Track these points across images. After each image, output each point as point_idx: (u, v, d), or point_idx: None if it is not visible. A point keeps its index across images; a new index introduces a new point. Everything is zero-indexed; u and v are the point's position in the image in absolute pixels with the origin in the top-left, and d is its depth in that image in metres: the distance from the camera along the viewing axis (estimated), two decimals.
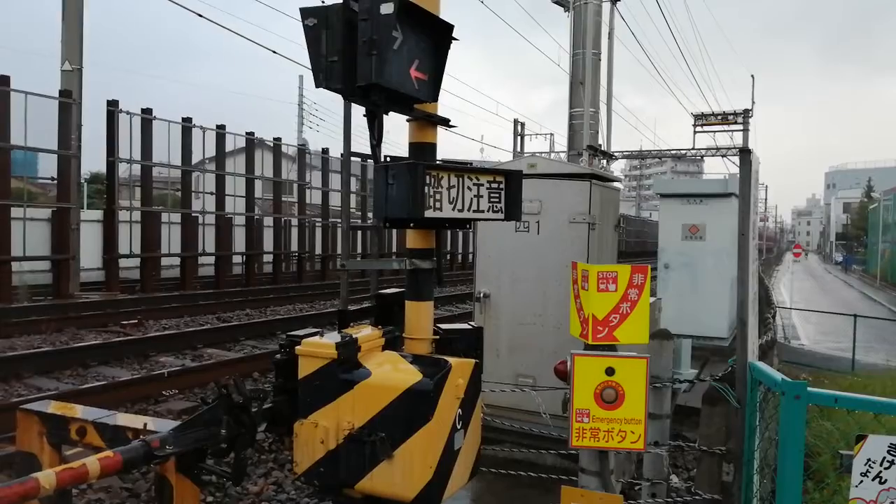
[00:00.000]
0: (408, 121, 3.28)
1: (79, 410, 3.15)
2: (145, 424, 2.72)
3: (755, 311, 4.01)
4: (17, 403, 4.96)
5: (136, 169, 16.52)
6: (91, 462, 2.30)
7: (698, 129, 36.44)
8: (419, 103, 3.13)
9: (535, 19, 16.59)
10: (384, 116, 3.14)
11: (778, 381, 2.66)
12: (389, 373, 2.83)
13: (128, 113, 15.43)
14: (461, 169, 3.15)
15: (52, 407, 3.25)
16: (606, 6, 9.76)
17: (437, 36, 3.08)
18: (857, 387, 10.03)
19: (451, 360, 2.91)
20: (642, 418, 2.85)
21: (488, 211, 3.27)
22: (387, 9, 2.69)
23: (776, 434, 2.72)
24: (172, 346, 9.48)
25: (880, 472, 2.44)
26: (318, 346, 2.84)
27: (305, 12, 2.83)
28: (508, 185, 3.33)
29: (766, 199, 77.43)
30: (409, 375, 2.77)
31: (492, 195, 3.28)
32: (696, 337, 9.49)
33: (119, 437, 2.86)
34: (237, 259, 20.08)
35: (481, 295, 5.70)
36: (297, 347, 2.90)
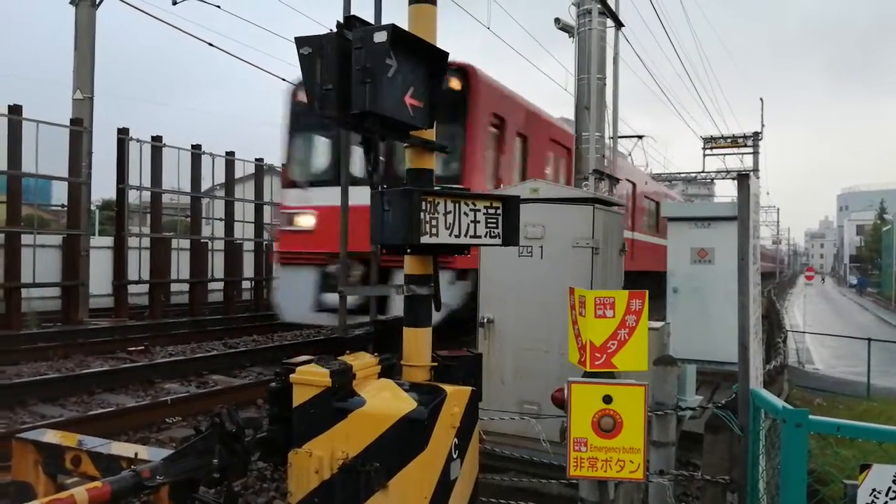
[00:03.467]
0: (405, 147, 3.29)
1: (74, 439, 3.13)
2: (136, 454, 2.70)
3: (758, 336, 3.95)
4: (17, 431, 4.95)
5: (147, 195, 16.66)
6: (79, 493, 2.28)
7: (708, 152, 36.41)
8: (415, 130, 3.13)
9: (540, 43, 16.71)
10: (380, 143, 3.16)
11: (779, 409, 2.60)
12: (384, 401, 2.80)
13: (138, 140, 15.61)
14: (457, 194, 3.15)
15: (49, 436, 3.23)
16: (611, 31, 9.80)
17: (432, 63, 3.09)
18: (873, 412, 9.86)
19: (447, 387, 2.88)
20: (641, 447, 2.79)
21: (486, 236, 3.26)
22: (380, 37, 2.71)
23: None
24: (178, 372, 9.45)
25: (886, 502, 2.37)
26: (313, 375, 2.82)
27: (300, 41, 2.86)
28: (506, 210, 3.31)
29: (778, 222, 77.06)
30: (404, 403, 2.74)
31: (489, 220, 3.27)
32: (707, 362, 9.36)
33: (113, 467, 2.83)
34: (246, 284, 20.11)
35: (485, 320, 5.66)
36: (292, 375, 2.88)
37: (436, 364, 3.24)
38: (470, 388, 3.00)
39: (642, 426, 2.77)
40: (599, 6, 9.11)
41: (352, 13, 3.10)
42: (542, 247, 5.42)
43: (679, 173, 39.09)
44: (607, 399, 2.77)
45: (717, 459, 3.49)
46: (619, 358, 2.91)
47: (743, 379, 3.13)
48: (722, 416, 3.30)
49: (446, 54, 3.09)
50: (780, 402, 2.68)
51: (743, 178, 3.06)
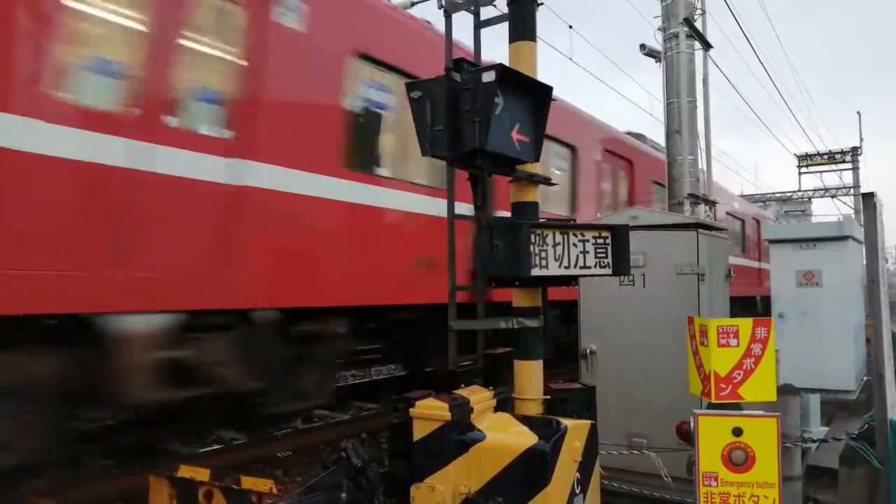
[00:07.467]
0: (510, 181, 3.33)
1: (206, 474, 3.27)
2: (271, 488, 2.80)
3: (891, 362, 3.72)
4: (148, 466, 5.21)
5: None
6: None
7: (803, 169, 34.78)
8: (521, 164, 3.18)
9: (622, 70, 16.58)
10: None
11: None
12: (504, 434, 2.80)
13: None
14: (566, 226, 3.15)
15: (182, 471, 3.40)
16: (698, 54, 9.63)
17: (537, 98, 3.14)
18: None
19: (567, 421, 2.85)
20: (776, 481, 2.66)
21: (595, 266, 3.23)
22: (488, 77, 2.78)
23: None
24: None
25: None
26: (432, 408, 2.85)
27: (410, 86, 2.97)
28: (615, 239, 3.28)
29: (883, 241, 72.38)
30: (525, 437, 2.73)
31: (598, 250, 3.25)
32: (818, 390, 8.83)
33: (244, 501, 2.95)
34: None
35: (587, 352, 5.56)
36: (411, 409, 2.92)
37: (548, 397, 3.22)
38: (589, 421, 2.96)
39: (776, 459, 2.65)
40: (687, 29, 8.99)
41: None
42: (643, 275, 5.31)
43: (773, 193, 37.53)
44: (737, 431, 2.67)
45: (854, 494, 3.29)
46: (745, 388, 2.81)
47: (880, 408, 2.96)
48: (858, 447, 3.11)
49: (550, 88, 3.12)
50: None
51: (868, 197, 2.93)
